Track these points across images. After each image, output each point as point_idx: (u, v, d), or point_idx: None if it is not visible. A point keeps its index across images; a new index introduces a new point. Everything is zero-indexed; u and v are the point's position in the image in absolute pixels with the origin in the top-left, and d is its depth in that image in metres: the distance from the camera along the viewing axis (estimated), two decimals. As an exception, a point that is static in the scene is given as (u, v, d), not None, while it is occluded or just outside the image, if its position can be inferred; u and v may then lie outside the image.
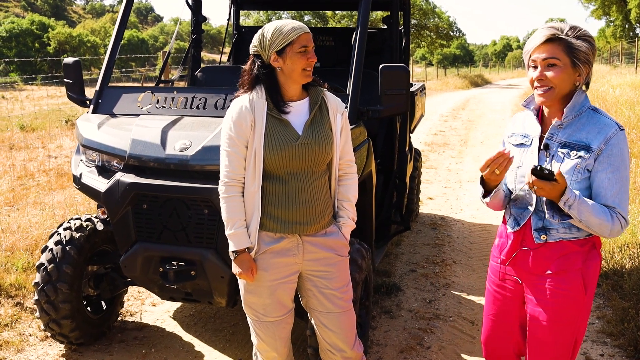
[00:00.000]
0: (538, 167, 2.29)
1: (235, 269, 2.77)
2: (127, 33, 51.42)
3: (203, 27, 5.88)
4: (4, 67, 41.21)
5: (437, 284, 5.28)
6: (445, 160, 11.27)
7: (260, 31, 2.74)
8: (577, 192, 2.33)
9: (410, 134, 6.33)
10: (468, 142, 13.43)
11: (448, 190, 8.84)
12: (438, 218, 7.38)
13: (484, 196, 2.68)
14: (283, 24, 2.71)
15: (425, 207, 7.87)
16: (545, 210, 2.46)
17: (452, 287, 5.21)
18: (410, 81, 4.49)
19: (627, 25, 48.33)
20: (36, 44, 50.22)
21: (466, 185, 9.12)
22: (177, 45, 43.74)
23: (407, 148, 5.73)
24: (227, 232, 2.75)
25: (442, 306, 4.82)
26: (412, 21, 40.43)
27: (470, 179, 9.54)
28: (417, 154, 7.09)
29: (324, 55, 6.00)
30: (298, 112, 2.79)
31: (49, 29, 51.71)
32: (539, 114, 2.58)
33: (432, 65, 61.62)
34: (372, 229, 4.18)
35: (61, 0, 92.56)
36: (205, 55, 58.51)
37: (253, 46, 2.76)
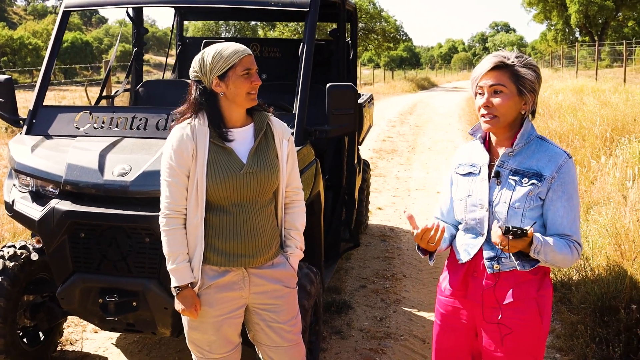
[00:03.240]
0: (511, 229, 2.22)
1: (178, 306, 2.65)
2: (70, 35, 50.07)
3: (150, 29, 5.70)
4: (-60, 71, 39.67)
5: (387, 300, 5.22)
6: (393, 167, 11.28)
7: (200, 55, 2.62)
8: (540, 236, 2.30)
9: (359, 146, 6.27)
10: (416, 149, 13.50)
11: (397, 199, 8.82)
12: (387, 229, 7.35)
13: (425, 254, 2.62)
14: (224, 47, 2.59)
15: (375, 217, 7.83)
16: (513, 258, 2.40)
17: (402, 303, 5.16)
18: (358, 89, 4.41)
19: (567, 30, 49.74)
20: (-26, 47, 48.53)
21: (415, 194, 9.13)
22: (122, 48, 42.90)
23: (355, 161, 5.66)
24: (168, 267, 2.63)
25: (393, 324, 4.76)
26: (359, 25, 40.67)
27: (419, 188, 9.57)
28: (366, 165, 7.04)
29: (271, 67, 5.89)
30: (242, 139, 2.68)
31: (-12, 31, 50.01)
32: (486, 143, 2.54)
33: (380, 67, 62.10)
34: (321, 250, 4.09)
35: (1, 1, 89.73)
36: (151, 57, 57.52)
37: (193, 71, 2.63)
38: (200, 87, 2.63)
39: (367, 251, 6.50)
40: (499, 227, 2.25)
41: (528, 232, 2.22)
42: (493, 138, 2.51)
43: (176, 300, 2.65)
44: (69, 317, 4.60)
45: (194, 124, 2.63)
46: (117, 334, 4.51)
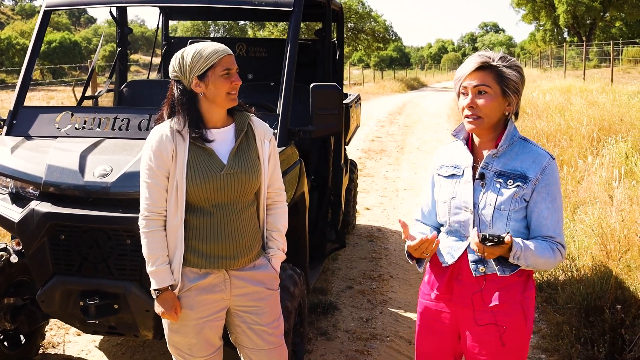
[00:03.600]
0: (487, 237, 2.22)
1: (158, 309, 2.62)
2: (58, 35, 49.75)
3: (139, 29, 5.67)
4: None
5: (374, 301, 5.20)
6: (382, 167, 11.27)
7: (179, 54, 2.58)
8: (520, 241, 2.29)
9: (346, 146, 6.25)
10: (405, 149, 13.50)
11: (385, 200, 8.81)
12: (375, 230, 7.33)
13: (413, 259, 2.60)
14: (203, 46, 2.56)
15: (362, 217, 7.81)
16: (494, 265, 2.39)
17: (389, 304, 5.15)
18: (345, 89, 4.39)
19: (555, 30, 50.02)
20: (-39, 47, 48.14)
21: (403, 194, 9.13)
22: (111, 48, 42.73)
23: (342, 161, 5.64)
24: (148, 269, 2.59)
25: (379, 325, 4.74)
26: (349, 25, 40.71)
27: (407, 188, 9.56)
28: (353, 165, 7.02)
29: (256, 67, 5.86)
30: (223, 140, 2.65)
31: (-25, 31, 49.63)
32: (469, 144, 2.52)
33: (370, 67, 62.18)
34: (305, 251, 4.06)
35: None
36: (141, 57, 57.27)
37: (173, 71, 2.59)
38: (180, 87, 2.59)
39: (354, 252, 6.48)
40: (477, 234, 2.24)
41: (505, 239, 2.21)
42: (476, 139, 2.49)
43: (156, 303, 2.61)
44: (52, 320, 4.55)
45: (173, 124, 2.60)
46: (100, 337, 4.46)
